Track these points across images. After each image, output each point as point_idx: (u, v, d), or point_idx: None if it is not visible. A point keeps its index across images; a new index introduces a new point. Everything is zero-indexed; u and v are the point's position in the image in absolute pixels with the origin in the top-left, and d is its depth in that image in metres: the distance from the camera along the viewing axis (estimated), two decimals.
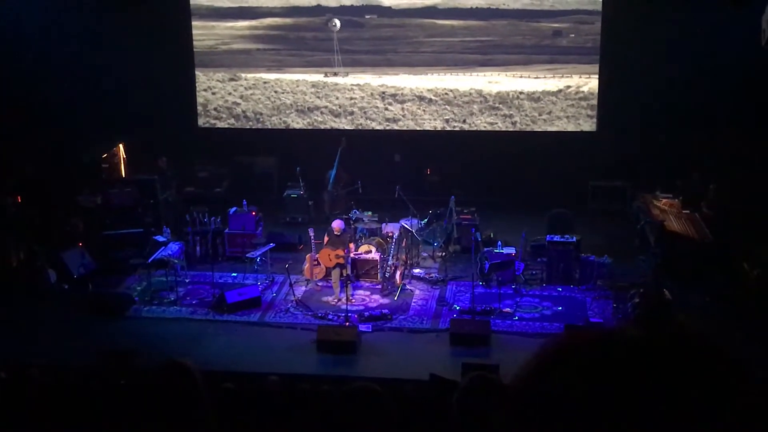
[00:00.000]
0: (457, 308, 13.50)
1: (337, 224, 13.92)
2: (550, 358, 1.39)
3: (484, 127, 19.02)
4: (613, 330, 1.41)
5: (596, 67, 18.29)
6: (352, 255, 14.05)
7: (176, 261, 14.38)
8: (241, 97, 19.59)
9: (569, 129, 18.76)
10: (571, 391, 1.32)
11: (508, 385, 1.47)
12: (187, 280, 14.66)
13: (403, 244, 14.84)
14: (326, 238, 13.98)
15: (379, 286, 14.29)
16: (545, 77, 18.70)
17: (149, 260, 14.01)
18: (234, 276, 14.99)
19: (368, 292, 14.27)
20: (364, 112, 19.33)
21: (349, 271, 14.04)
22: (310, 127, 19.46)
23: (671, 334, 1.36)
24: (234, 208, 16.11)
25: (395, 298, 13.90)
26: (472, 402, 4.08)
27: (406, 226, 15.26)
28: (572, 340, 1.41)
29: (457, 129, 19.10)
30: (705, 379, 1.31)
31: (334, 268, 13.80)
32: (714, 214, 15.22)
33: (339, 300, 13.66)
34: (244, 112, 19.60)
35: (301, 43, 19.12)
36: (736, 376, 1.33)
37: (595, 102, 18.58)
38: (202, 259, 15.45)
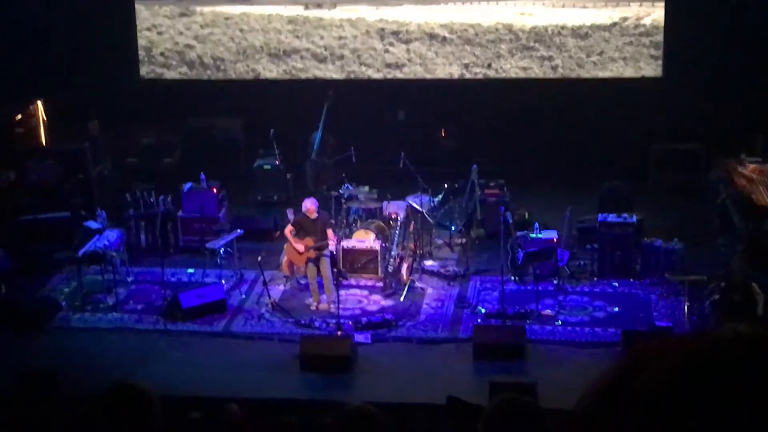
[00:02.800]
0: (482, 311, 13.51)
1: (308, 204, 13.86)
2: (628, 376, 1.39)
3: (515, 73, 18.97)
4: (698, 337, 1.42)
5: None
6: (333, 244, 13.95)
7: (114, 254, 14.35)
8: (196, 37, 19.52)
9: (626, 75, 18.72)
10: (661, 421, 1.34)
11: (571, 413, 1.46)
12: (129, 279, 14.63)
13: (411, 229, 14.82)
14: (290, 228, 13.87)
15: (380, 284, 14.27)
16: (595, 6, 18.64)
17: (79, 253, 13.99)
18: (191, 273, 15.00)
19: (366, 292, 14.24)
20: (358, 56, 19.27)
21: (339, 266, 14.04)
22: (286, 77, 19.41)
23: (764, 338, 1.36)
24: (189, 185, 16.09)
25: (401, 299, 13.91)
26: None
27: (414, 205, 15.23)
28: (655, 350, 1.41)
29: (479, 77, 19.05)
30: None
31: (307, 263, 13.79)
32: None
33: (317, 306, 13.69)
34: (200, 57, 19.55)
35: None
36: None
37: (660, 38, 18.54)
38: (149, 251, 15.43)
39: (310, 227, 13.78)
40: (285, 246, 14.18)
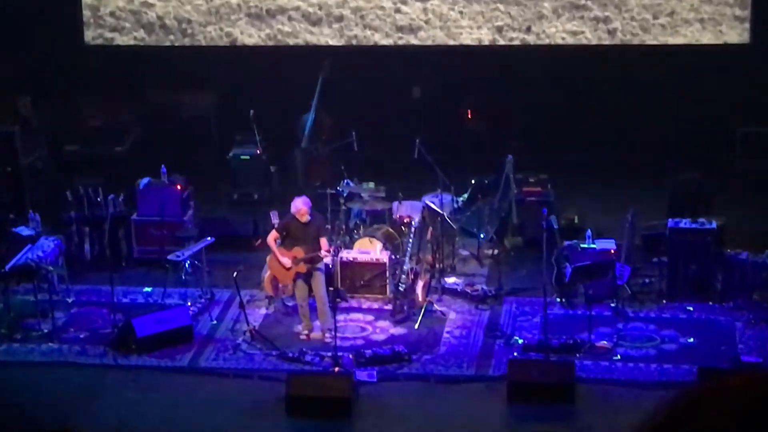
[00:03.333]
0: (520, 342, 13.53)
1: (300, 204, 13.79)
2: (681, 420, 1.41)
3: (562, 39, 18.95)
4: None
5: None
6: (329, 256, 13.95)
7: (51, 269, 14.37)
8: None
9: (704, 41, 18.68)
10: None
11: None
12: (70, 300, 14.64)
13: (428, 237, 14.84)
14: (274, 235, 13.80)
15: (389, 307, 14.30)
16: None
17: (6, 268, 13.99)
18: (147, 292, 15.04)
19: (370, 318, 14.28)
20: (361, 17, 19.26)
21: (336, 284, 14.04)
22: (270, 43, 19.42)
23: None
24: (146, 180, 16.10)
25: (416, 327, 13.93)
26: None
27: (432, 205, 15.22)
28: (718, 392, 1.46)
29: (516, 43, 19.03)
30: None
31: (295, 280, 13.78)
32: None
33: (308, 334, 13.68)
34: (160, 18, 19.53)
35: None
36: None
37: None
38: (95, 264, 15.43)
39: (300, 234, 13.75)
40: (268, 258, 14.13)
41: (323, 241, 13.82)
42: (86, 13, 19.60)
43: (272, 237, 13.88)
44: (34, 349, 13.59)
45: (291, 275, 13.75)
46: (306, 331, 13.75)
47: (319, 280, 13.68)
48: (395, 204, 15.68)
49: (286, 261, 13.65)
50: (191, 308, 14.25)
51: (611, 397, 12.28)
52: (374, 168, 16.93)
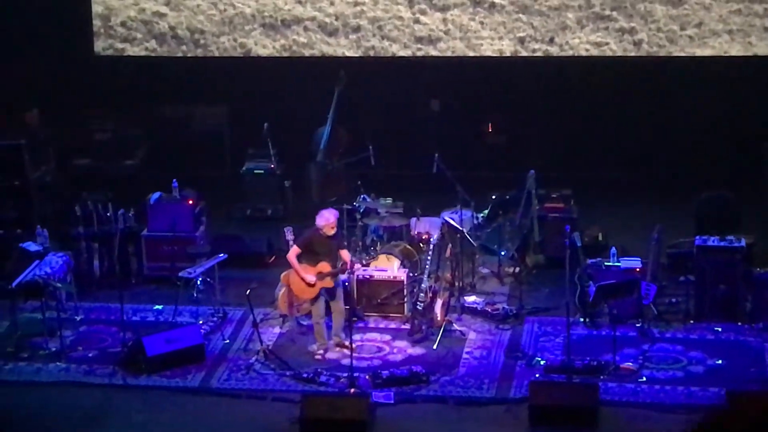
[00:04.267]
0: (542, 363, 13.44)
1: (330, 217, 13.77)
2: None
3: (586, 50, 18.90)
4: None
5: None
6: (349, 271, 13.94)
7: (59, 286, 14.29)
8: (167, 3, 19.55)
9: (732, 53, 18.60)
10: None
11: None
12: (78, 318, 14.63)
13: (448, 254, 14.81)
14: (295, 250, 13.65)
15: (407, 327, 14.28)
16: None
17: (13, 285, 14.00)
18: (158, 310, 15.04)
19: (387, 337, 14.23)
20: (379, 28, 19.25)
21: (353, 302, 13.98)
22: (285, 55, 19.41)
23: None
24: (157, 194, 16.11)
25: (434, 347, 13.88)
26: None
27: (451, 222, 15.17)
28: (746, 413, 1.31)
29: (538, 54, 19.00)
30: None
31: (317, 297, 13.74)
32: None
33: (323, 354, 13.63)
34: (172, 29, 19.57)
35: None
36: None
37: None
38: (104, 281, 15.48)
39: (325, 248, 13.73)
40: (283, 275, 14.16)
41: (346, 253, 13.90)
42: (96, 23, 19.66)
43: (294, 253, 13.74)
44: (42, 369, 13.55)
45: (315, 292, 13.67)
46: (321, 351, 13.71)
47: (340, 294, 13.77)
48: (413, 220, 15.66)
49: (311, 278, 13.56)
50: (203, 327, 14.22)
51: (636, 421, 12.19)
52: (392, 183, 16.96)
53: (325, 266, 13.63)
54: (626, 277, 14.31)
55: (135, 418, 12.48)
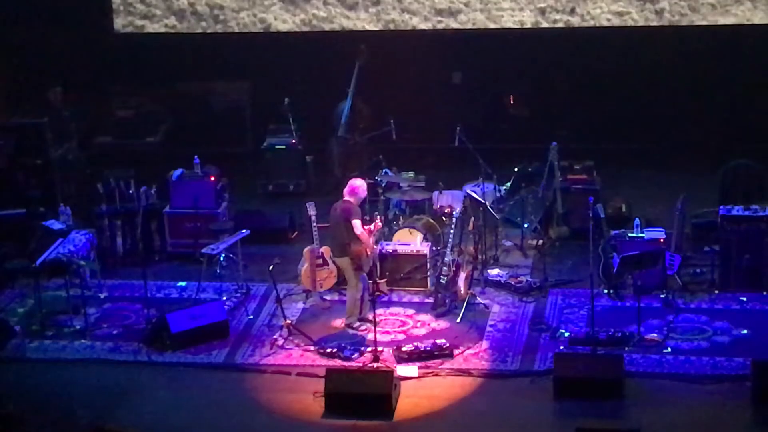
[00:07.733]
0: (566, 335, 13.49)
1: (364, 186, 13.77)
2: None
3: (607, 20, 18.83)
4: None
5: None
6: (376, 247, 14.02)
7: (82, 263, 14.42)
8: None
9: (756, 21, 18.50)
10: None
11: None
12: (102, 296, 14.71)
13: (470, 227, 14.78)
14: (361, 224, 13.64)
15: (430, 300, 14.29)
16: None
17: (38, 262, 14.04)
18: (181, 287, 15.09)
19: (411, 311, 14.25)
20: (399, 1, 19.19)
21: (375, 277, 14.05)
22: (305, 29, 19.39)
23: None
24: (179, 171, 16.18)
25: (458, 320, 13.91)
26: None
27: (473, 195, 15.22)
28: None
29: (559, 25, 18.95)
30: None
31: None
32: None
33: (355, 325, 13.73)
34: (191, 5, 19.56)
35: None
36: None
37: None
38: (127, 258, 15.54)
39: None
40: (304, 251, 14.22)
41: (378, 224, 14.12)
42: (116, 0, 19.66)
43: (366, 228, 13.76)
44: (66, 346, 13.64)
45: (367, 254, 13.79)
46: (357, 322, 13.81)
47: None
48: (435, 194, 15.68)
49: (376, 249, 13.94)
50: (226, 303, 14.28)
51: (661, 392, 12.18)
52: (413, 157, 16.95)
53: (377, 225, 13.92)
54: (650, 247, 14.22)
55: (160, 394, 12.55)
